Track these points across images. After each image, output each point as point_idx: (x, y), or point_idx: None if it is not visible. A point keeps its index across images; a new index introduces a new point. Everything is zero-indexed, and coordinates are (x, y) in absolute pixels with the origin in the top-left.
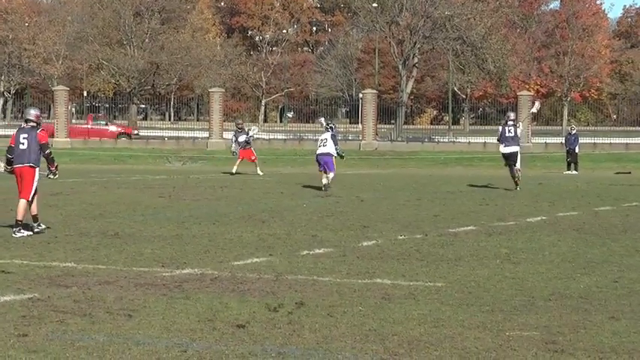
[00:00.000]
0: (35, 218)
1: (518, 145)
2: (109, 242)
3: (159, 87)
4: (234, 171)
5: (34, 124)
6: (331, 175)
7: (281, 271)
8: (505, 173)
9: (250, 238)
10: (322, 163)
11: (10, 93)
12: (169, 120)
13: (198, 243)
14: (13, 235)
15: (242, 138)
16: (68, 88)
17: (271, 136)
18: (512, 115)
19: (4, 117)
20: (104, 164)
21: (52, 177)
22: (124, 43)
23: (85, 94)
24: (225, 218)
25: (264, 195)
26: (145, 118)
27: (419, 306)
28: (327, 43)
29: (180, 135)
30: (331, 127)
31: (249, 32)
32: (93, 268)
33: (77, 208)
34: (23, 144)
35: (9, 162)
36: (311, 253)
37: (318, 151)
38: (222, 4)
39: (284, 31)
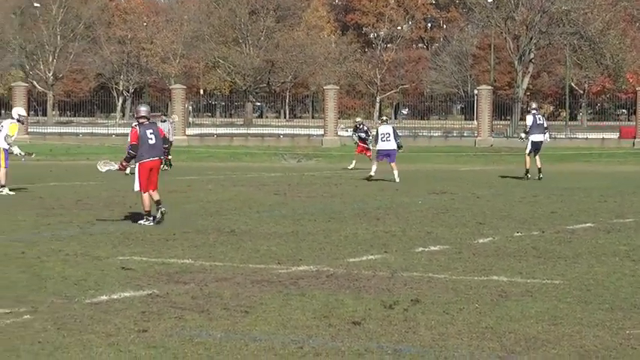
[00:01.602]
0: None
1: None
2: (225, 239)
3: (274, 85)
4: (350, 167)
5: (146, 120)
6: (394, 165)
7: (396, 268)
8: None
9: (365, 235)
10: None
11: (128, 92)
12: (284, 117)
13: (314, 240)
14: (141, 222)
15: (361, 135)
16: (185, 87)
17: None
18: (534, 105)
19: (123, 115)
20: (220, 162)
21: (167, 168)
22: (240, 41)
23: (201, 92)
24: (340, 215)
25: (378, 192)
26: (260, 116)
27: (536, 303)
28: (441, 39)
29: (295, 132)
30: (386, 120)
31: (364, 29)
32: (210, 264)
33: (194, 205)
34: (151, 139)
35: (129, 159)
36: (426, 250)
37: (381, 147)
38: (337, 1)
39: (398, 27)
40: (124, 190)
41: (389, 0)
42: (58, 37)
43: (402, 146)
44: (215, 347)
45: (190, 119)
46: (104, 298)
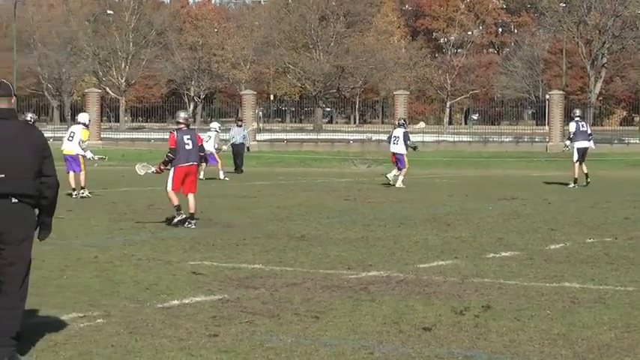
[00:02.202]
0: (178, 208)
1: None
2: (295, 244)
3: (344, 90)
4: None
5: (185, 126)
6: (403, 171)
7: (467, 274)
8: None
9: (435, 241)
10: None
11: (199, 98)
12: (354, 123)
13: (384, 245)
14: (188, 225)
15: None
16: (255, 92)
17: (456, 139)
18: (577, 112)
19: (194, 121)
20: (290, 167)
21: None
22: (310, 47)
23: (271, 97)
24: (410, 221)
25: (448, 198)
26: (330, 121)
27: (609, 310)
28: (512, 44)
29: (364, 138)
30: (404, 124)
31: (434, 34)
32: (280, 270)
33: (264, 210)
34: (188, 144)
35: (166, 162)
36: (497, 256)
37: (391, 149)
38: (407, 6)
39: (469, 32)
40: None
41: (459, 5)
42: (131, 43)
43: (416, 147)
44: (285, 352)
45: (260, 125)
46: (175, 302)
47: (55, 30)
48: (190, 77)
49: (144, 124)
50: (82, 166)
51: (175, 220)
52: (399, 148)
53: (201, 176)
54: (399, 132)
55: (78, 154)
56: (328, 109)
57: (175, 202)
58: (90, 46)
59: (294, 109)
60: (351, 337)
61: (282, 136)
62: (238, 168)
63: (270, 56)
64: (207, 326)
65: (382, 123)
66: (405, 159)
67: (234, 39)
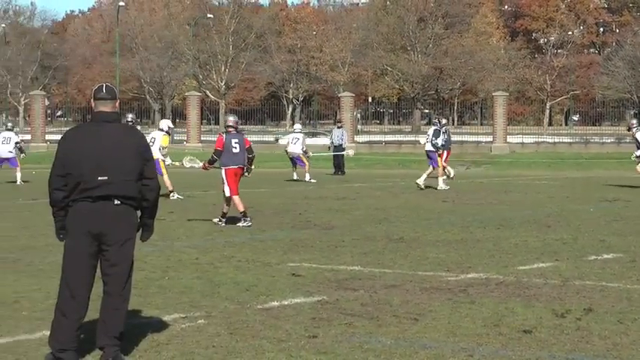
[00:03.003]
0: (224, 214)
1: None
2: (394, 246)
3: (442, 92)
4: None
5: (234, 129)
6: (439, 171)
7: (568, 277)
8: None
9: (535, 243)
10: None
11: (298, 100)
12: (453, 124)
13: (483, 247)
14: (240, 224)
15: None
16: (353, 94)
17: (556, 140)
18: (634, 122)
19: (293, 123)
20: (389, 169)
21: (247, 175)
22: (408, 48)
23: (369, 99)
24: (510, 222)
25: (548, 199)
26: (428, 123)
27: None
28: (614, 44)
29: (463, 139)
30: (437, 122)
31: (534, 35)
32: (379, 271)
33: (363, 212)
34: (235, 147)
35: (211, 162)
36: (599, 258)
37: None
38: (506, 7)
39: (569, 32)
40: (294, 198)
41: (559, 5)
42: (230, 47)
43: (438, 146)
44: (385, 354)
45: (359, 127)
46: (275, 304)
47: (156, 34)
48: (289, 80)
49: (243, 126)
50: (164, 170)
51: (240, 224)
52: (429, 146)
53: (296, 177)
54: (430, 130)
55: (158, 159)
56: (426, 111)
57: (241, 208)
58: (190, 50)
59: (392, 110)
60: (451, 340)
61: (381, 138)
62: (339, 170)
63: (368, 58)
64: (306, 327)
65: (481, 124)
66: (437, 157)
67: (332, 41)
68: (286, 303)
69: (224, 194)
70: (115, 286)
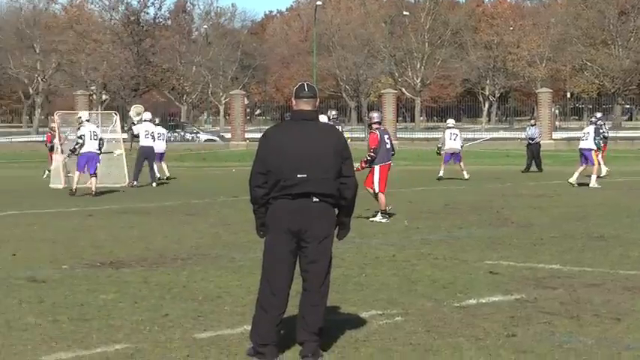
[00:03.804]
0: (384, 210)
1: None
2: (593, 244)
3: None
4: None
5: (378, 125)
6: (595, 169)
7: None
8: None
9: None
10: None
11: (494, 97)
12: None
13: None
14: (375, 219)
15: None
16: (551, 90)
17: None
18: None
19: (489, 120)
20: None
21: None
22: (609, 42)
23: (568, 95)
24: None
25: None
26: (629, 119)
27: None
28: None
29: None
30: (595, 122)
31: None
32: (578, 270)
33: (561, 210)
34: (387, 143)
35: (369, 161)
36: None
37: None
38: None
39: None
40: (490, 195)
41: None
42: (426, 44)
43: (600, 145)
44: (586, 354)
45: (557, 123)
46: (472, 302)
47: (352, 32)
48: (485, 76)
49: (439, 123)
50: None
51: (375, 219)
52: (587, 143)
53: (466, 176)
54: (590, 128)
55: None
56: (627, 106)
57: (383, 206)
58: (386, 48)
59: (591, 106)
60: None
61: (579, 134)
62: (538, 166)
63: (566, 53)
64: (505, 326)
65: None
66: (594, 155)
67: (529, 36)
68: (484, 301)
69: (372, 191)
70: (314, 282)
